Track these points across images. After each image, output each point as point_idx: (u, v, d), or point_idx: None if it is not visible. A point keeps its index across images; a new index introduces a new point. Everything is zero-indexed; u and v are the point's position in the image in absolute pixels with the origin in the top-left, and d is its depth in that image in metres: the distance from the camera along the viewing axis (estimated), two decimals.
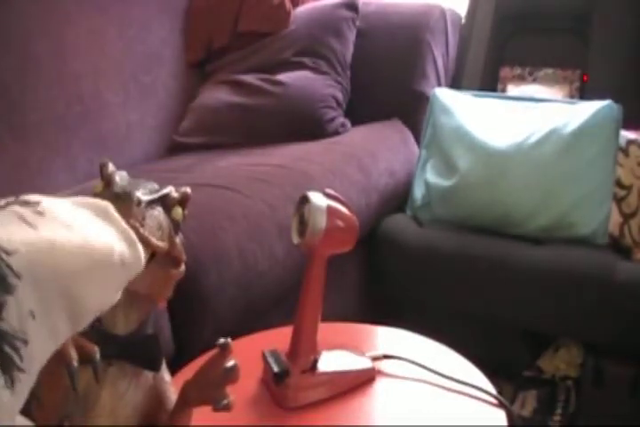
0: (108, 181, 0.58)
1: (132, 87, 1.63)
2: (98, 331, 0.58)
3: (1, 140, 1.32)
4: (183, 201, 0.61)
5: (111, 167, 0.60)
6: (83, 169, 1.48)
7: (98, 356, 0.54)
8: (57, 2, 1.47)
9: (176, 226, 0.60)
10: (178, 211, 0.60)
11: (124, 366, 0.59)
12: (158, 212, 0.59)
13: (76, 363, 0.52)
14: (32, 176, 1.37)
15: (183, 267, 0.61)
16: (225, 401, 0.60)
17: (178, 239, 0.61)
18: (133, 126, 1.62)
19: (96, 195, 0.58)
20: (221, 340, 0.61)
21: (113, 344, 0.57)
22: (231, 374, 0.61)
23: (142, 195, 0.58)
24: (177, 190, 0.61)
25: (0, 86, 1.33)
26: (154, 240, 0.57)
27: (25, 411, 0.64)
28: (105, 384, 0.58)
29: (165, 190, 0.60)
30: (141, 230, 0.56)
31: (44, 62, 1.42)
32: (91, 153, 1.50)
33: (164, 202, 0.60)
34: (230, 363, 0.61)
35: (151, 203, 0.58)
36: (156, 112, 1.69)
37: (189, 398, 0.61)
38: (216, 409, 0.60)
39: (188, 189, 0.62)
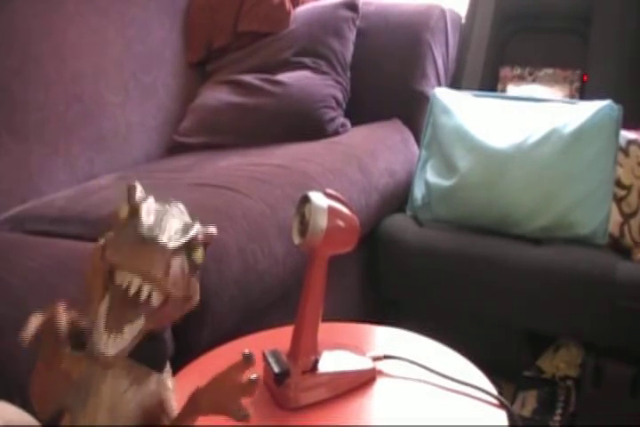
0: (133, 212, 0.55)
1: (132, 87, 1.63)
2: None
3: (1, 140, 1.32)
4: (206, 242, 0.58)
5: (139, 193, 0.57)
6: (83, 169, 1.48)
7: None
8: (57, 2, 1.47)
9: (194, 267, 0.57)
10: (199, 254, 0.57)
11: (127, 368, 0.59)
12: (183, 259, 0.56)
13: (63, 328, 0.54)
14: (32, 176, 1.37)
15: (197, 298, 0.59)
16: (243, 413, 0.58)
17: (194, 278, 0.58)
18: (133, 126, 1.62)
19: (120, 219, 0.56)
20: (247, 351, 0.58)
21: None
22: (249, 387, 0.58)
23: (169, 239, 0.54)
24: (203, 231, 0.58)
25: (0, 86, 1.33)
26: (174, 292, 0.55)
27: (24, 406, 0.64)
28: (106, 379, 0.58)
29: (192, 232, 0.57)
30: (163, 283, 0.54)
31: (44, 62, 1.42)
32: (91, 153, 1.50)
33: (188, 247, 0.56)
34: (254, 375, 0.58)
35: (177, 251, 0.55)
36: (156, 112, 1.69)
37: (200, 405, 0.60)
38: (236, 420, 0.58)
39: (214, 230, 0.59)
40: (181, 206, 0.59)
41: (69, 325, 0.56)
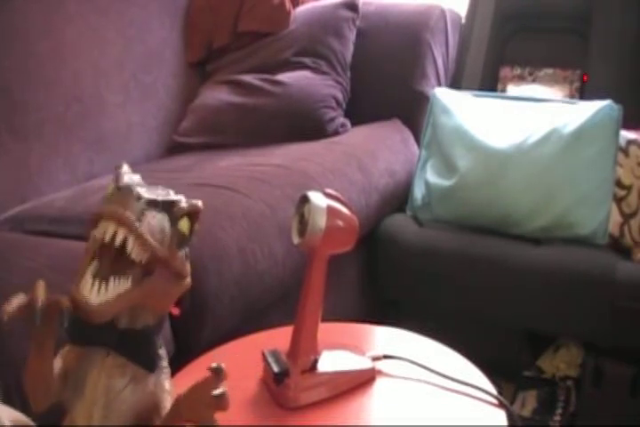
0: (116, 179, 0.57)
1: (132, 87, 1.63)
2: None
3: (1, 140, 1.32)
4: (192, 214, 0.58)
5: (125, 169, 0.59)
6: (83, 169, 1.48)
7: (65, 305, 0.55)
8: (57, 2, 1.47)
9: (180, 239, 0.57)
10: (184, 223, 0.58)
11: (124, 367, 0.59)
12: (162, 217, 0.56)
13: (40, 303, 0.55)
14: (32, 176, 1.37)
15: (188, 280, 0.59)
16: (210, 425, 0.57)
17: (182, 253, 0.58)
18: (133, 126, 1.62)
19: (105, 196, 0.57)
20: (214, 364, 0.56)
21: (110, 334, 0.57)
22: (220, 402, 0.55)
23: (145, 193, 0.56)
24: (187, 202, 0.59)
25: (0, 86, 1.33)
26: (151, 240, 0.55)
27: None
28: (101, 376, 0.59)
29: (173, 197, 0.58)
30: (137, 225, 0.54)
31: (44, 62, 1.42)
32: (91, 153, 1.50)
33: (171, 211, 0.57)
34: (219, 391, 0.55)
35: (154, 205, 0.56)
36: (156, 112, 1.69)
37: (180, 413, 0.58)
38: None
39: (200, 203, 0.59)
40: (171, 191, 0.60)
41: (51, 304, 0.56)
